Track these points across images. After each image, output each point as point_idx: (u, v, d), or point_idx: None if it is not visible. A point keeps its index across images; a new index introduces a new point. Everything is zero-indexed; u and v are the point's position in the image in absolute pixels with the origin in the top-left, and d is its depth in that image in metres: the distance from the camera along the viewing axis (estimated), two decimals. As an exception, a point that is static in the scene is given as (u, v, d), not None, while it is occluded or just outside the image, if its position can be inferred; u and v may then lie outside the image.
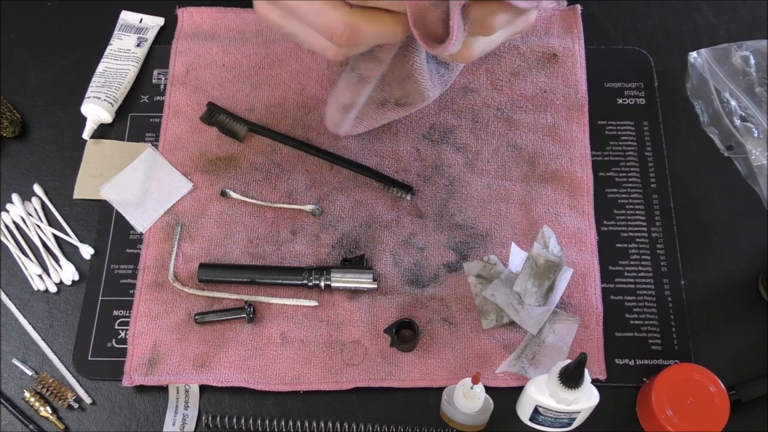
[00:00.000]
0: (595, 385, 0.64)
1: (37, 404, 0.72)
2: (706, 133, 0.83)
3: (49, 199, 0.81)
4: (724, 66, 0.85)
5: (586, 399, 0.63)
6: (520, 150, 0.81)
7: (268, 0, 0.60)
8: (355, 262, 0.75)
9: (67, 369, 0.73)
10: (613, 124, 0.83)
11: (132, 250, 0.78)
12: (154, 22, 0.89)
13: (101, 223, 0.79)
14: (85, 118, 0.83)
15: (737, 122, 0.82)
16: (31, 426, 0.71)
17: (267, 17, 0.61)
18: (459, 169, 0.80)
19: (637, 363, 0.73)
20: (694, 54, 0.85)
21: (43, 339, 0.75)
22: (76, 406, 0.72)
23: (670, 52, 0.87)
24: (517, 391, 0.69)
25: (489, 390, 0.66)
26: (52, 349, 0.74)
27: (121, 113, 0.84)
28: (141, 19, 0.89)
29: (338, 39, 0.57)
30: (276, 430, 0.71)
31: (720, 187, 0.80)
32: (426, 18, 0.55)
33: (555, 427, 0.69)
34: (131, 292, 0.76)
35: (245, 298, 0.74)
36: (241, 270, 0.75)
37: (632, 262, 0.77)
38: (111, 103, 0.83)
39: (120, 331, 0.74)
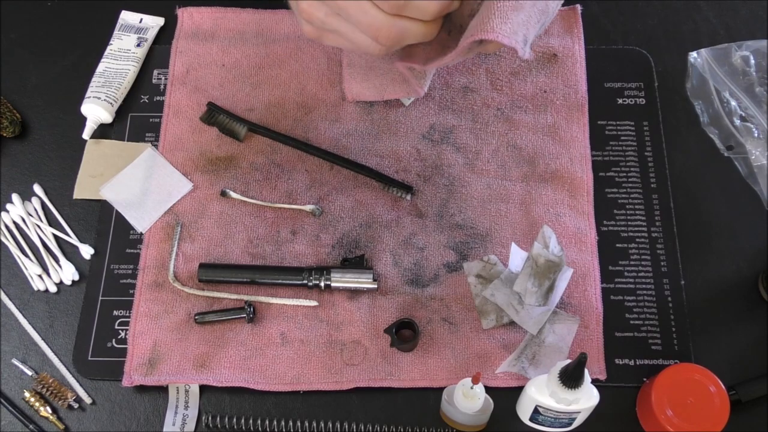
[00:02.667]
0: (595, 385, 0.64)
1: (37, 404, 0.72)
2: (706, 133, 0.83)
3: (49, 199, 0.81)
4: (724, 66, 0.85)
5: (586, 399, 0.63)
6: (520, 150, 0.81)
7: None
8: (355, 262, 0.75)
9: (67, 369, 0.73)
10: (613, 124, 0.83)
11: (132, 250, 0.78)
12: (154, 22, 0.89)
13: (101, 223, 0.79)
14: (85, 118, 0.83)
15: (737, 122, 0.82)
16: (31, 426, 0.71)
17: (312, 14, 0.64)
18: (459, 169, 0.80)
19: (637, 363, 0.73)
20: (694, 54, 0.85)
21: (43, 339, 0.75)
22: (76, 406, 0.72)
23: (670, 52, 0.87)
24: (517, 391, 0.69)
25: (489, 390, 0.66)
26: (52, 349, 0.74)
27: (121, 113, 0.84)
28: (141, 19, 0.89)
29: (384, 39, 0.61)
30: (276, 430, 0.71)
31: (720, 187, 0.80)
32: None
33: (555, 427, 0.69)
34: (131, 292, 0.76)
35: (245, 298, 0.74)
36: (241, 270, 0.75)
37: (632, 262, 0.77)
38: (111, 103, 0.83)
39: (120, 331, 0.74)
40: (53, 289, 0.77)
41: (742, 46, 0.85)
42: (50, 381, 0.72)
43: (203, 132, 0.83)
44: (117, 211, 0.79)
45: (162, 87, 0.86)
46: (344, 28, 0.63)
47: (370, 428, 0.70)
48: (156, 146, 0.82)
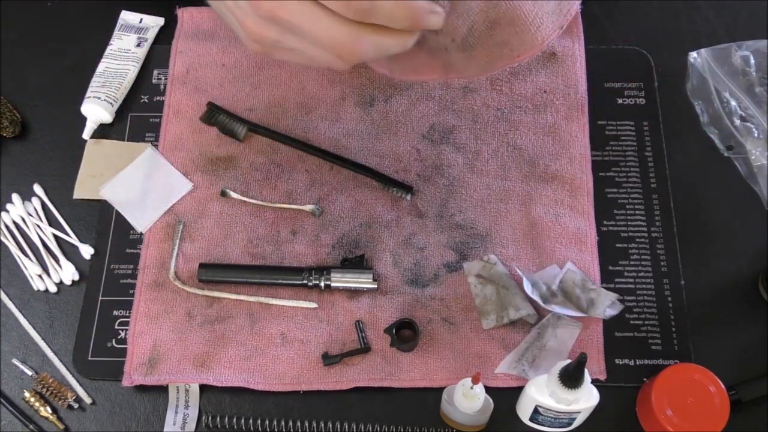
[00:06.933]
0: (595, 385, 0.64)
1: (37, 404, 0.72)
2: (706, 133, 0.83)
3: (49, 199, 0.81)
4: (724, 66, 0.85)
5: (586, 399, 0.63)
6: (520, 150, 0.81)
7: (267, 18, 0.54)
8: (355, 262, 0.75)
9: (67, 369, 0.73)
10: (613, 124, 0.83)
11: (132, 250, 0.78)
12: (154, 22, 0.89)
13: (101, 223, 0.79)
14: (85, 118, 0.83)
15: (737, 122, 0.82)
16: (31, 426, 0.71)
17: (262, 34, 0.55)
18: (459, 169, 0.80)
19: (637, 363, 0.73)
20: (694, 54, 0.85)
21: (43, 339, 0.75)
22: (76, 406, 0.72)
23: (670, 52, 0.87)
24: (517, 391, 0.69)
25: (489, 390, 0.66)
26: (52, 349, 0.74)
27: (121, 113, 0.84)
28: (141, 19, 0.89)
29: (348, 55, 0.55)
30: (276, 430, 0.71)
31: (720, 187, 0.80)
32: None
33: (555, 427, 0.69)
34: (131, 292, 0.76)
35: (245, 298, 0.74)
36: (241, 270, 0.75)
37: (632, 262, 0.77)
38: (111, 103, 0.83)
39: (120, 331, 0.74)
40: (53, 289, 0.77)
41: (742, 46, 0.85)
42: (50, 381, 0.72)
43: (203, 132, 0.83)
44: (117, 211, 0.79)
45: (162, 87, 0.86)
46: (302, 45, 0.55)
47: (370, 428, 0.70)
48: (156, 146, 0.82)
